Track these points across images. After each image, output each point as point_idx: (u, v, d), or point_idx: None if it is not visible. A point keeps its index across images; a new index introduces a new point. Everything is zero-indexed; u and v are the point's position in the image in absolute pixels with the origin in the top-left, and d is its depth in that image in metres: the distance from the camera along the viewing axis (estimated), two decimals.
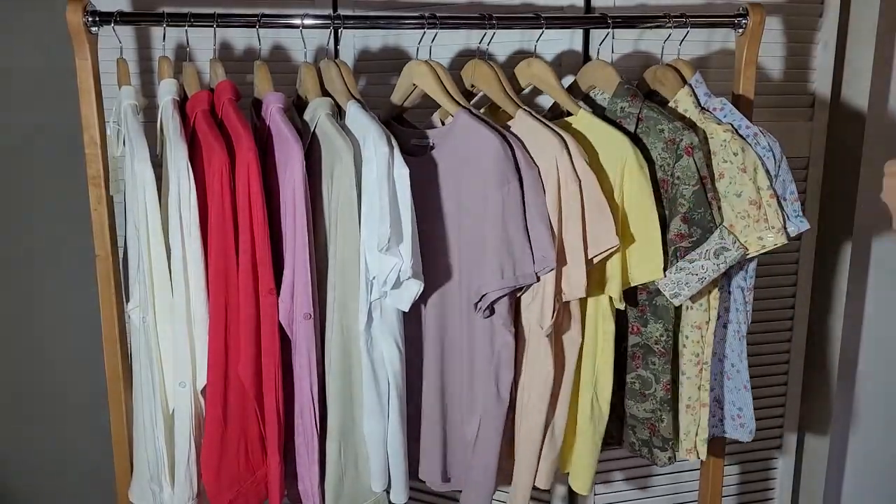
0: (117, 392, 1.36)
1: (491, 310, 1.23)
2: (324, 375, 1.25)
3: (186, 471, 1.25)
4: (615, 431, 1.46)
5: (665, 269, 1.26)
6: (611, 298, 1.27)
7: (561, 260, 1.22)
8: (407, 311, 1.20)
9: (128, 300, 1.34)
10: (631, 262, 1.27)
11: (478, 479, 1.32)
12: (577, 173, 1.20)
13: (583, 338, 1.28)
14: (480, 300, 1.22)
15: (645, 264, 1.26)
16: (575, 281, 1.22)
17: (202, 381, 1.23)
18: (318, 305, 1.22)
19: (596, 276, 1.28)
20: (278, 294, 1.20)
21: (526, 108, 1.28)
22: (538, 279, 1.21)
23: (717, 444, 1.52)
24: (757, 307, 1.77)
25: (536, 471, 1.33)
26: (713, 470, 1.57)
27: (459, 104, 1.27)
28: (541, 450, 1.32)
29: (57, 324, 1.94)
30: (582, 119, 1.29)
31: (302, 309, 1.19)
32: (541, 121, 1.25)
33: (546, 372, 1.26)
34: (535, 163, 1.20)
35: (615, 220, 1.23)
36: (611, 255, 1.24)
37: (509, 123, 1.28)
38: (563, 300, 1.24)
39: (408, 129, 1.35)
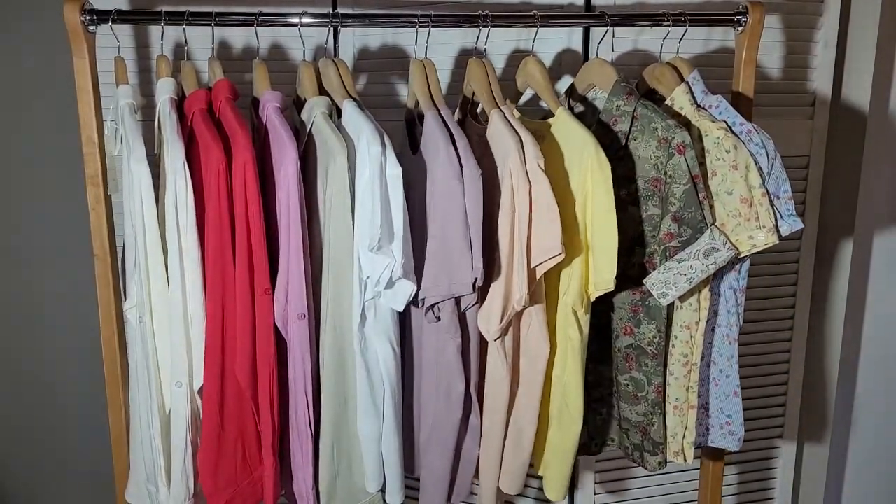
0: (116, 392, 1.36)
1: (438, 316, 1.20)
2: (318, 375, 1.25)
3: (183, 471, 1.25)
4: (615, 435, 1.45)
5: (642, 276, 1.24)
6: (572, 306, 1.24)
7: (510, 267, 1.19)
8: (401, 311, 1.20)
9: (125, 300, 1.34)
10: (591, 271, 1.23)
11: (427, 480, 1.31)
12: (528, 177, 1.16)
13: (551, 346, 1.25)
14: (422, 304, 1.20)
15: (599, 274, 1.22)
16: (520, 290, 1.18)
17: (199, 380, 1.23)
18: (313, 305, 1.22)
19: (559, 283, 1.27)
20: (274, 294, 1.20)
21: (502, 108, 1.26)
22: (474, 290, 1.17)
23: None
24: (757, 307, 1.76)
25: (500, 475, 1.32)
26: (713, 470, 1.56)
27: (432, 103, 1.26)
28: (502, 454, 1.31)
29: (56, 324, 1.94)
30: (558, 119, 1.27)
31: (296, 309, 1.19)
32: (507, 122, 1.22)
33: (499, 377, 1.24)
34: (479, 167, 1.15)
35: (578, 227, 1.20)
36: (565, 262, 1.20)
37: (487, 126, 1.27)
38: (517, 309, 1.20)
39: (422, 128, 1.34)
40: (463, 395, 1.23)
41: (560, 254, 1.16)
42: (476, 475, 1.35)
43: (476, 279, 1.16)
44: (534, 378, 1.27)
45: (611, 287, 1.21)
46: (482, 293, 1.22)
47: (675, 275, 1.24)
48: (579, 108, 1.44)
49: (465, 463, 1.31)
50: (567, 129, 1.24)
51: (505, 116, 1.24)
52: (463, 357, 1.24)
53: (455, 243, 1.15)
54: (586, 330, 1.26)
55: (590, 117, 1.31)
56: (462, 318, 1.23)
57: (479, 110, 1.45)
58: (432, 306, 1.20)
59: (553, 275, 1.24)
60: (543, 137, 1.25)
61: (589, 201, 1.20)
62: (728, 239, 1.24)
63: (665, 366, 1.35)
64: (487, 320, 1.22)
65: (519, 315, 1.24)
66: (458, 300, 1.20)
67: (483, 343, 1.27)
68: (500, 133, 1.21)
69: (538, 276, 1.21)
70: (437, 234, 1.17)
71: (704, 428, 1.45)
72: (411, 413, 1.33)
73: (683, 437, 1.38)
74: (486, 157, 1.24)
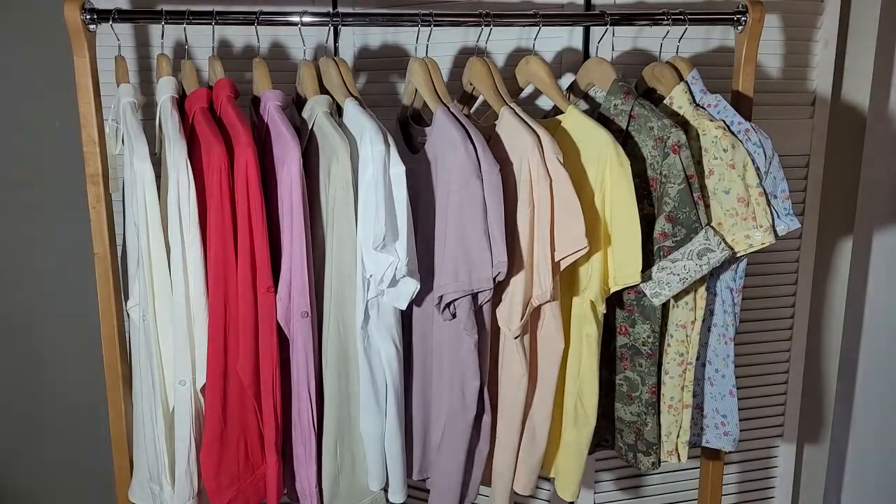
0: (117, 391, 1.36)
1: (453, 313, 1.21)
2: (321, 374, 1.25)
3: (186, 469, 1.25)
4: (609, 435, 1.45)
5: (644, 272, 1.24)
6: (592, 301, 1.25)
7: (531, 262, 1.20)
8: (404, 309, 1.20)
9: (127, 298, 1.34)
10: (611, 266, 1.24)
11: (439, 482, 1.31)
12: (548, 172, 1.17)
13: (565, 342, 1.26)
14: (439, 301, 1.20)
15: (622, 268, 1.23)
16: (543, 284, 1.19)
17: (202, 379, 1.23)
18: (316, 304, 1.22)
19: (575, 279, 1.27)
20: (276, 292, 1.20)
21: (511, 105, 1.26)
22: (494, 284, 1.18)
23: None
24: (757, 306, 1.77)
25: (514, 475, 1.32)
26: (713, 470, 1.56)
27: (440, 100, 1.26)
28: (517, 454, 1.31)
29: (56, 323, 1.94)
30: (570, 117, 1.27)
31: (300, 307, 1.19)
32: (521, 119, 1.23)
33: (518, 375, 1.24)
34: (497, 163, 1.16)
35: (596, 222, 1.21)
36: (583, 257, 1.21)
37: (495, 123, 1.27)
38: (536, 304, 1.21)
39: (419, 127, 1.35)
40: (477, 393, 1.23)
41: (584, 247, 1.17)
42: (484, 475, 1.35)
43: (499, 273, 1.16)
44: (548, 375, 1.27)
45: (636, 280, 1.22)
46: (497, 291, 1.23)
47: (669, 274, 1.25)
48: (582, 105, 1.44)
49: (477, 462, 1.31)
50: (581, 126, 1.25)
51: (516, 113, 1.24)
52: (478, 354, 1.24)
53: (475, 239, 1.16)
54: (602, 325, 1.27)
55: (591, 115, 1.31)
56: (476, 314, 1.23)
57: (473, 109, 1.46)
58: (449, 304, 1.20)
59: (566, 271, 1.25)
60: (553, 134, 1.25)
61: (607, 197, 1.22)
62: (723, 239, 1.24)
63: (659, 366, 1.35)
64: (509, 317, 1.22)
65: (534, 312, 1.25)
66: (474, 296, 1.20)
67: (495, 341, 1.27)
68: (515, 129, 1.21)
69: (560, 270, 1.22)
70: (456, 231, 1.17)
71: (699, 428, 1.45)
72: (421, 414, 1.33)
73: (678, 436, 1.38)
74: (495, 152, 1.24)
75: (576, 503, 1.76)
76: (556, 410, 1.32)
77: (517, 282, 1.20)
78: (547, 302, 1.22)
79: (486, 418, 1.28)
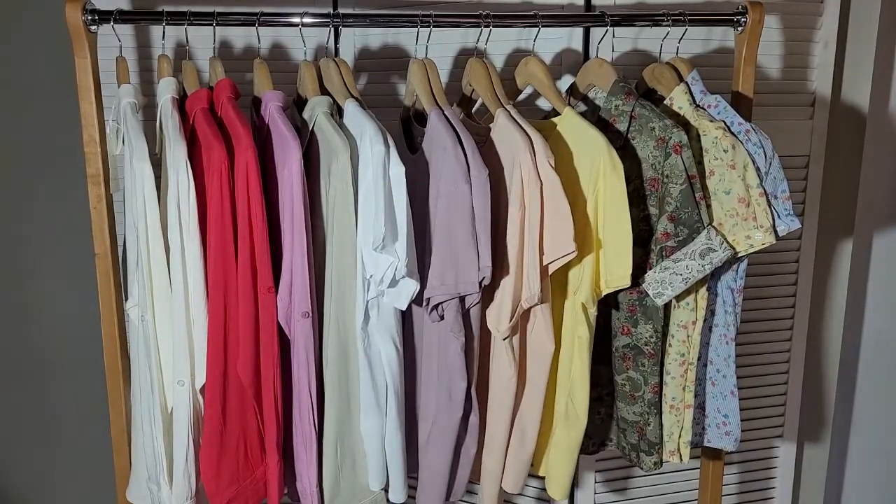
0: (117, 391, 1.36)
1: (441, 315, 1.21)
2: (322, 374, 1.25)
3: (184, 470, 1.25)
4: (613, 435, 1.46)
5: (643, 273, 1.24)
6: (583, 304, 1.25)
7: (520, 265, 1.20)
8: (404, 309, 1.20)
9: (126, 299, 1.34)
10: (602, 268, 1.24)
11: (426, 479, 1.31)
12: (539, 176, 1.17)
13: (556, 344, 1.25)
14: (427, 303, 1.20)
15: (612, 271, 1.23)
16: (532, 287, 1.19)
17: (201, 379, 1.23)
18: (316, 304, 1.22)
19: (567, 281, 1.27)
20: (277, 292, 1.20)
21: (507, 107, 1.26)
22: (480, 289, 1.18)
23: None
24: (757, 307, 1.77)
25: (503, 473, 1.32)
26: (713, 470, 1.57)
27: (435, 103, 1.26)
28: (506, 454, 1.31)
29: (57, 323, 1.95)
30: (565, 118, 1.27)
31: (300, 307, 1.19)
32: (515, 121, 1.22)
33: (507, 376, 1.25)
34: (486, 167, 1.16)
35: (588, 225, 1.21)
36: (575, 260, 1.21)
37: (491, 125, 1.27)
38: (525, 306, 1.21)
39: (420, 127, 1.35)
40: (464, 394, 1.24)
41: (573, 252, 1.17)
42: (474, 474, 1.35)
43: (483, 278, 1.16)
44: (538, 377, 1.27)
45: (627, 283, 1.22)
46: (487, 293, 1.23)
47: (671, 275, 1.25)
48: (581, 107, 1.44)
49: (464, 461, 1.32)
50: (575, 129, 1.25)
51: (511, 116, 1.24)
52: (465, 356, 1.24)
53: (462, 243, 1.16)
54: (594, 327, 1.27)
55: (590, 117, 1.32)
56: (465, 317, 1.23)
57: (474, 109, 1.46)
58: (437, 305, 1.20)
59: (558, 274, 1.25)
60: (549, 136, 1.25)
61: (601, 200, 1.22)
62: (725, 239, 1.24)
63: (662, 366, 1.35)
64: (497, 319, 1.22)
65: (524, 314, 1.25)
66: (462, 299, 1.21)
67: (484, 342, 1.27)
68: (508, 132, 1.21)
69: (549, 274, 1.22)
70: (444, 234, 1.18)
71: (701, 428, 1.45)
72: (410, 413, 1.33)
73: (679, 436, 1.38)
74: (488, 155, 1.24)
75: (566, 502, 1.76)
76: (547, 410, 1.32)
77: (507, 284, 1.20)
78: (537, 304, 1.22)
79: (474, 418, 1.28)
